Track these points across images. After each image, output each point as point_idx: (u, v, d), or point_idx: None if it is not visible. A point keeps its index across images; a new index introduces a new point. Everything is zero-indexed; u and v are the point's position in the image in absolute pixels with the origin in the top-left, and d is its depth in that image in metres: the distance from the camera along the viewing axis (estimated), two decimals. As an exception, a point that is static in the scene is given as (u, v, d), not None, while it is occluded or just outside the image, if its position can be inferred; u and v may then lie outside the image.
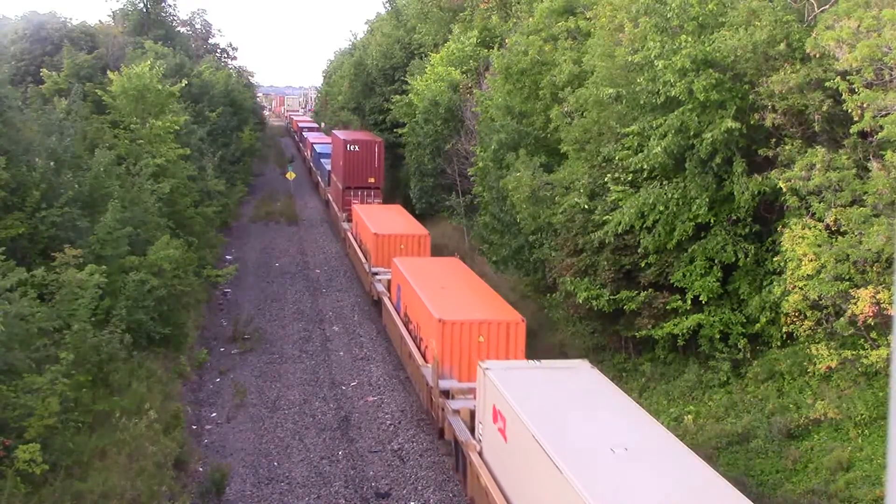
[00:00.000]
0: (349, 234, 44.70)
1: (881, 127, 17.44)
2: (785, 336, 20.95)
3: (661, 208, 22.33)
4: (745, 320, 22.11)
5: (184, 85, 38.59)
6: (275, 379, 27.38)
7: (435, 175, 45.41)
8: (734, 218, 22.13)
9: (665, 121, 21.90)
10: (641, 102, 22.94)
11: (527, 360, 21.29)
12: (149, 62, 36.19)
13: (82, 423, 18.34)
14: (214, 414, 24.54)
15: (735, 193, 21.55)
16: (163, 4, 62.79)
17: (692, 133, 21.57)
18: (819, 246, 18.33)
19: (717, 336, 22.28)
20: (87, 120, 32.65)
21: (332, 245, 49.55)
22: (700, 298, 22.26)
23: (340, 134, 55.73)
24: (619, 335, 25.38)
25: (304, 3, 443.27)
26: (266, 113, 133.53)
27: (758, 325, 21.60)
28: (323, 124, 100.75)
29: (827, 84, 19.08)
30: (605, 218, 23.93)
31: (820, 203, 18.91)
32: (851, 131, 18.36)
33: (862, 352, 18.06)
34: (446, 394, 21.64)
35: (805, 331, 19.36)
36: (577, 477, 12.78)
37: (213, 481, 19.49)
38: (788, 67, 20.32)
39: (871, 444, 17.46)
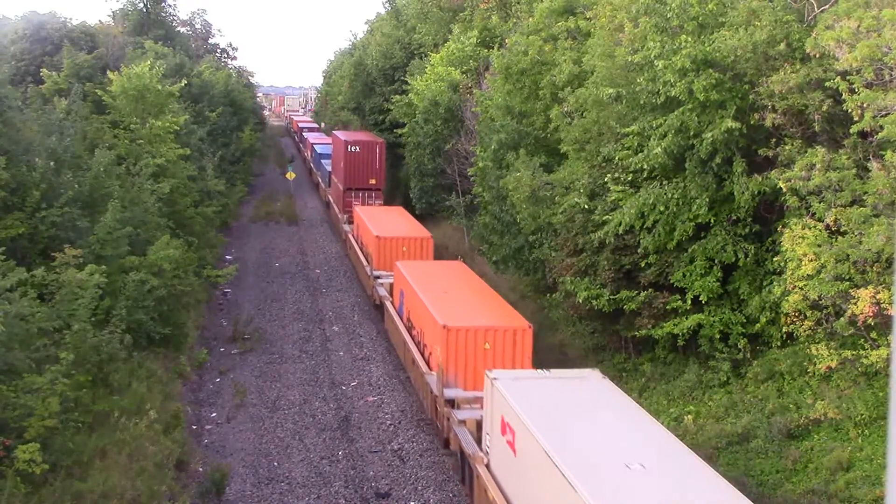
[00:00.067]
0: (350, 236, 43.98)
1: (881, 127, 17.45)
2: (785, 336, 20.95)
3: (661, 208, 22.33)
4: (745, 320, 22.11)
5: (183, 85, 38.59)
6: (275, 379, 27.38)
7: (435, 175, 45.40)
8: (734, 218, 22.13)
9: (665, 121, 21.90)
10: (641, 102, 22.95)
11: (535, 369, 20.51)
12: (149, 62, 36.19)
13: (82, 423, 18.34)
14: (214, 414, 24.54)
15: (735, 193, 21.55)
16: (163, 4, 62.82)
17: (692, 133, 21.58)
18: (819, 246, 18.33)
19: (717, 336, 22.28)
20: (87, 120, 32.66)
21: (332, 245, 49.55)
22: (700, 298, 22.26)
23: (341, 134, 55.17)
24: (619, 335, 25.39)
25: (304, 3, 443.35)
26: (266, 113, 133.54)
27: (758, 325, 21.60)
28: (323, 124, 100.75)
29: (827, 84, 19.09)
30: (605, 218, 23.93)
31: (820, 203, 18.92)
32: (851, 131, 18.36)
33: (862, 352, 18.06)
34: (451, 403, 20.95)
35: (805, 331, 19.36)
36: (592, 496, 12.25)
37: (213, 481, 19.49)
38: (788, 67, 20.32)
39: (871, 444, 17.46)
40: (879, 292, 17.09)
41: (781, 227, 20.49)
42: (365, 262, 37.30)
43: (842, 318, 17.83)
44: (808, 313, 19.02)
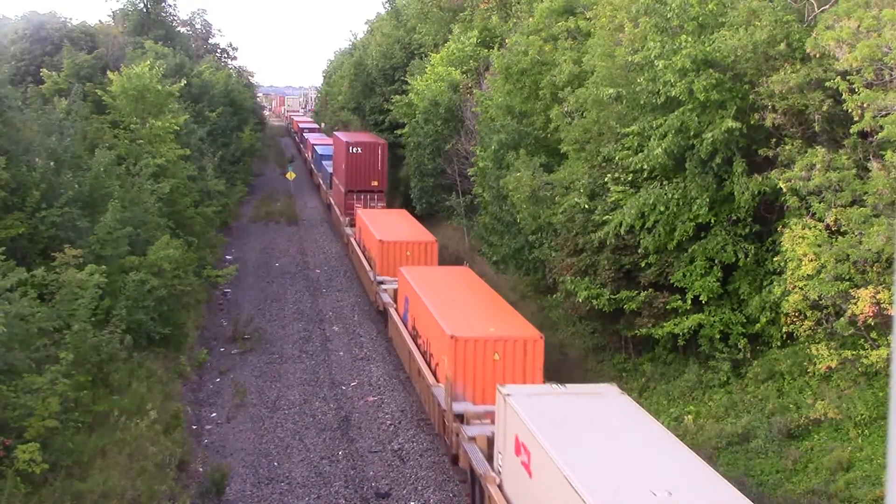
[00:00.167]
0: (352, 239, 42.93)
1: (881, 127, 17.44)
2: (785, 336, 20.95)
3: (662, 208, 22.32)
4: (745, 320, 22.11)
5: (183, 85, 38.58)
6: (275, 379, 27.39)
7: (435, 175, 45.39)
8: (734, 218, 22.13)
9: (665, 121, 21.90)
10: (641, 102, 22.94)
11: (550, 383, 19.44)
12: (148, 62, 36.19)
13: (82, 422, 18.34)
14: (214, 414, 24.54)
15: (735, 193, 21.55)
16: (163, 4, 62.81)
17: (692, 133, 21.57)
18: (819, 246, 18.33)
19: (717, 336, 22.28)
20: (87, 120, 32.66)
21: (333, 245, 49.54)
22: (700, 298, 22.26)
23: (342, 135, 54.45)
24: (619, 335, 25.39)
25: (304, 3, 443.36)
26: (266, 113, 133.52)
27: (758, 325, 21.60)
28: (323, 124, 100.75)
29: (827, 84, 19.09)
30: (605, 218, 23.92)
31: (820, 203, 18.91)
32: (851, 131, 18.36)
33: (862, 352, 18.05)
34: (460, 418, 20.05)
35: (805, 331, 19.36)
36: None
37: (213, 481, 19.49)
38: (788, 67, 20.32)
39: (871, 444, 17.46)
40: (879, 292, 17.09)
41: (781, 227, 20.49)
42: (368, 267, 36.31)
43: (842, 318, 17.83)
44: (808, 313, 19.02)
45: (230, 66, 79.50)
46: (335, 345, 31.06)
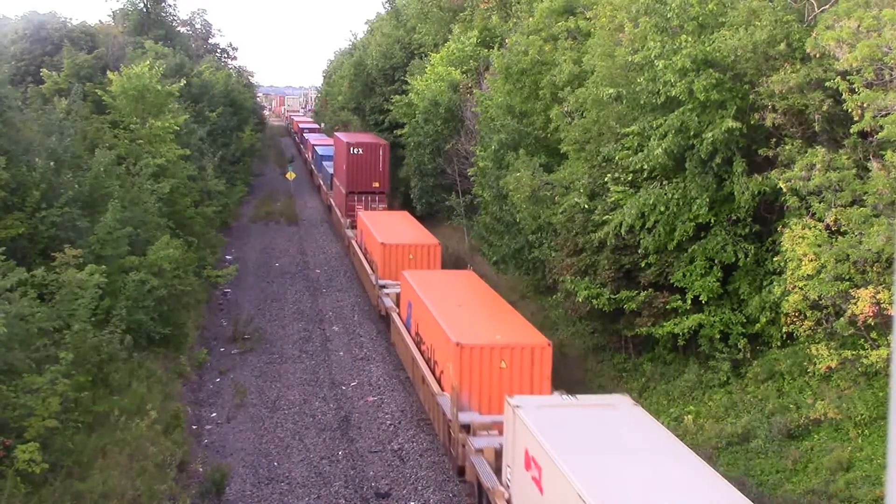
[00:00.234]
0: (354, 242, 42.28)
1: (881, 127, 17.45)
2: (785, 336, 20.95)
3: (662, 208, 22.32)
4: (745, 320, 22.11)
5: (183, 85, 38.57)
6: (275, 379, 27.39)
7: (435, 175, 45.38)
8: (734, 218, 22.13)
9: (665, 121, 21.90)
10: (641, 102, 22.94)
11: (559, 392, 19.51)
12: (148, 62, 36.18)
13: (82, 422, 18.34)
14: (214, 414, 24.54)
15: (735, 193, 21.55)
16: (163, 4, 62.82)
17: (692, 133, 21.57)
18: (819, 246, 18.33)
19: (717, 336, 22.28)
20: (87, 120, 32.66)
21: (333, 245, 49.54)
22: (700, 298, 22.26)
23: (343, 136, 53.94)
24: (620, 335, 25.39)
25: (304, 3, 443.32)
26: (266, 113, 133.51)
27: (758, 325, 21.60)
28: (323, 124, 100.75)
29: (827, 84, 19.09)
30: (605, 218, 23.92)
31: (820, 203, 18.92)
32: (851, 131, 18.36)
33: (862, 352, 18.05)
34: (466, 428, 19.39)
35: (805, 331, 19.36)
36: None
37: (213, 481, 19.48)
38: (788, 67, 20.32)
39: (871, 444, 17.46)
40: (879, 292, 17.09)
41: (781, 227, 20.49)
42: (370, 271, 35.67)
43: (842, 318, 17.83)
44: (808, 313, 19.02)
45: (230, 66, 79.50)
46: (335, 345, 31.06)
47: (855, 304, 17.33)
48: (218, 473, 19.73)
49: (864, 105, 17.67)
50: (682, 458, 13.88)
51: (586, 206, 25.02)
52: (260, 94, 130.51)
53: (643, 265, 23.49)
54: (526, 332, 21.72)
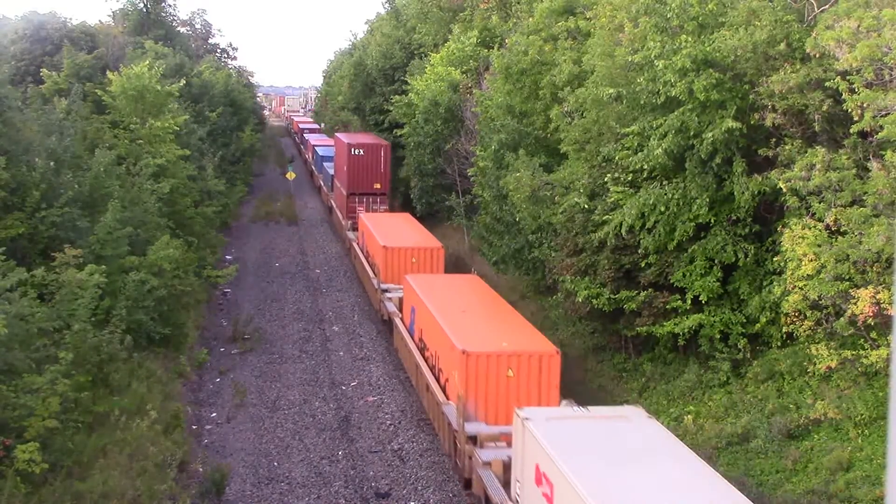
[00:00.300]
0: (355, 244, 41.55)
1: (881, 127, 17.45)
2: (785, 336, 20.95)
3: (662, 209, 22.32)
4: (745, 320, 22.11)
5: (183, 85, 38.57)
6: (275, 379, 27.39)
7: (435, 175, 45.39)
8: (734, 218, 22.13)
9: (665, 121, 21.91)
10: (641, 102, 22.95)
11: (568, 401, 18.85)
12: (148, 62, 36.19)
13: (82, 422, 18.35)
14: (214, 414, 24.54)
15: (735, 193, 21.55)
16: (163, 4, 62.80)
17: (692, 133, 21.58)
18: (819, 246, 18.33)
19: (717, 336, 22.28)
20: (87, 120, 32.66)
21: (333, 245, 49.54)
22: (700, 298, 22.26)
23: (344, 137, 53.42)
24: (620, 335, 25.40)
25: (304, 3, 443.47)
26: (266, 113, 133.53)
27: (758, 325, 21.61)
28: (323, 124, 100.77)
29: (827, 84, 19.09)
30: (605, 218, 23.92)
31: (820, 203, 18.92)
32: (851, 131, 18.37)
33: (862, 352, 18.06)
34: (473, 440, 18.85)
35: (805, 331, 19.36)
36: None
37: (213, 481, 19.48)
38: (788, 67, 20.33)
39: (871, 444, 17.46)
40: (879, 292, 17.09)
41: (781, 227, 20.50)
42: (371, 274, 35.04)
43: (842, 318, 17.83)
44: (808, 313, 19.02)
45: (230, 66, 79.51)
46: (335, 345, 31.06)
47: (855, 304, 17.33)
48: (218, 473, 19.73)
49: (864, 105, 17.68)
50: (702, 474, 13.37)
51: (586, 206, 25.02)
52: (260, 95, 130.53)
53: (643, 265, 23.49)
54: (533, 339, 21.17)
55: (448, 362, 21.30)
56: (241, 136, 62.96)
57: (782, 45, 20.83)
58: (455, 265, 36.80)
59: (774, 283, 20.61)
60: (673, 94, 21.35)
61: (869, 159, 18.55)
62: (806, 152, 19.56)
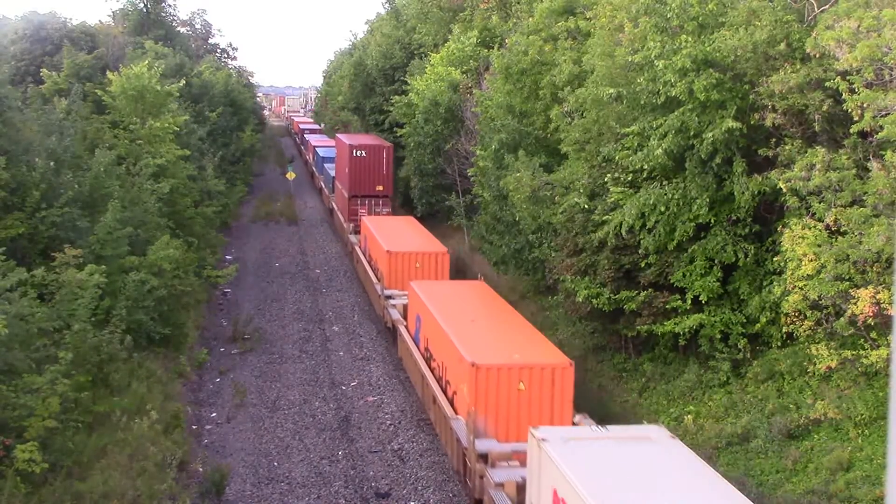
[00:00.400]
0: (357, 248, 40.76)
1: (881, 127, 17.45)
2: (785, 336, 20.95)
3: (662, 209, 22.31)
4: (745, 320, 22.10)
5: (183, 85, 38.57)
6: (275, 379, 27.39)
7: (435, 175, 45.39)
8: (734, 218, 22.13)
9: (665, 121, 21.90)
10: (641, 102, 22.94)
11: (582, 416, 18.61)
12: (147, 62, 36.19)
13: (82, 422, 18.35)
14: (214, 414, 24.54)
15: (735, 193, 21.55)
16: (163, 4, 62.78)
17: (692, 133, 21.57)
18: (819, 246, 18.33)
19: (718, 336, 22.27)
20: (87, 120, 32.67)
21: (333, 245, 49.53)
22: (700, 298, 22.26)
23: (345, 138, 52.75)
24: (620, 335, 25.39)
25: (304, 3, 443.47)
26: (266, 113, 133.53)
27: (758, 325, 21.60)
28: (323, 125, 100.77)
29: (827, 84, 19.09)
30: (605, 218, 23.91)
31: (820, 203, 18.92)
32: (851, 131, 18.36)
33: (862, 352, 18.06)
34: (484, 458, 17.98)
35: (805, 331, 19.36)
36: None
37: (213, 481, 19.48)
38: (788, 67, 20.33)
39: (871, 444, 17.46)
40: (879, 292, 17.09)
41: (781, 227, 20.50)
42: (375, 280, 34.02)
43: (842, 318, 17.83)
44: (808, 313, 19.02)
45: (230, 66, 79.49)
46: (335, 345, 31.06)
47: (855, 304, 17.33)
48: (218, 473, 19.73)
49: (864, 105, 17.68)
50: (732, 500, 12.67)
51: (586, 206, 25.01)
52: (260, 95, 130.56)
53: (643, 265, 23.49)
54: (545, 351, 20.37)
55: (456, 375, 20.54)
56: (241, 136, 62.95)
57: (782, 45, 20.83)
58: (455, 265, 36.77)
59: (774, 283, 20.61)
60: (673, 94, 21.35)
61: (869, 159, 18.54)
62: (806, 152, 19.56)
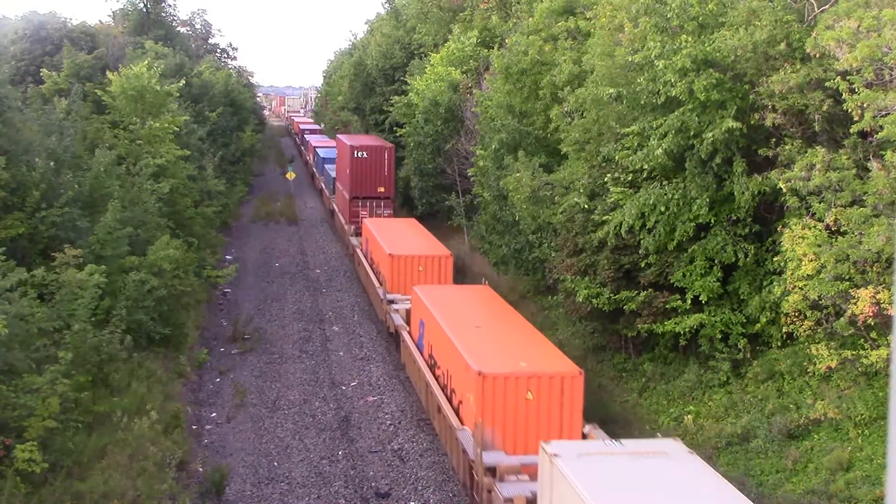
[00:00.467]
0: (358, 251, 39.95)
1: (881, 127, 17.45)
2: (785, 336, 20.95)
3: (662, 209, 22.31)
4: (745, 320, 22.11)
5: (182, 84, 38.57)
6: (275, 379, 27.39)
7: (435, 175, 45.38)
8: (734, 218, 22.13)
9: (665, 121, 21.91)
10: (641, 102, 22.94)
11: (593, 427, 18.19)
12: (146, 62, 36.19)
13: (82, 423, 18.35)
14: (214, 414, 24.54)
15: (735, 193, 21.56)
16: (163, 4, 62.80)
17: (692, 133, 21.58)
18: (819, 246, 18.33)
19: (718, 336, 22.28)
20: (87, 120, 32.67)
21: (333, 245, 49.53)
22: (700, 298, 22.26)
23: (346, 139, 52.19)
24: (620, 335, 25.39)
25: (304, 3, 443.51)
26: (266, 113, 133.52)
27: (758, 325, 21.61)
28: (323, 125, 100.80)
29: (827, 84, 19.09)
30: (604, 218, 23.92)
31: (820, 203, 18.92)
32: (851, 131, 18.37)
33: (862, 352, 18.06)
34: (492, 471, 17.37)
35: (805, 331, 19.36)
36: None
37: (213, 481, 19.48)
38: (788, 67, 20.33)
39: (871, 444, 17.46)
40: (879, 292, 17.09)
41: (781, 227, 20.50)
42: (377, 284, 33.36)
43: (842, 318, 17.83)
44: (808, 313, 19.02)
45: (230, 66, 79.49)
46: (335, 345, 31.05)
47: (855, 304, 17.33)
48: (218, 473, 19.73)
49: (864, 105, 17.68)
50: None
51: (586, 206, 25.02)
52: (260, 95, 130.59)
53: (643, 265, 23.49)
54: (554, 359, 19.74)
55: (462, 383, 19.94)
56: (241, 136, 62.94)
57: (782, 45, 20.83)
58: (455, 265, 36.73)
59: (774, 283, 20.61)
60: (673, 94, 21.35)
61: (869, 159, 18.55)
62: (806, 152, 19.56)
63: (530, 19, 35.24)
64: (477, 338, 21.33)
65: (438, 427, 21.87)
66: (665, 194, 22.39)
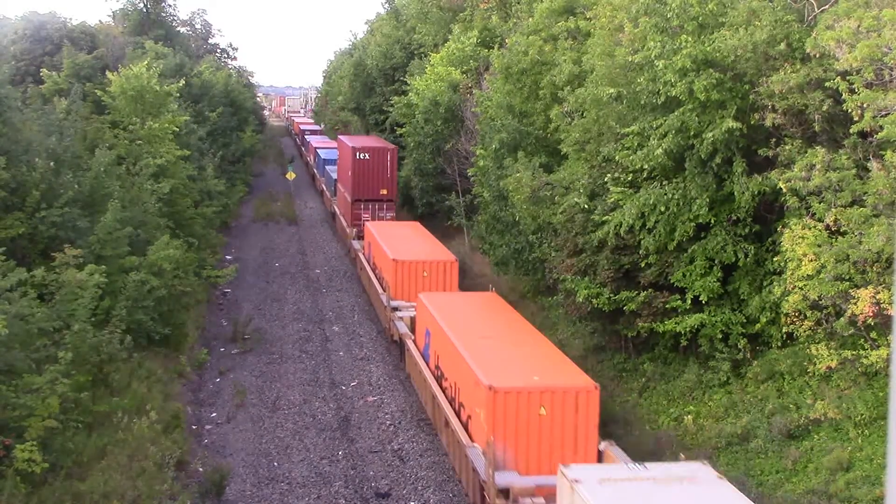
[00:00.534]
0: (361, 255, 39.28)
1: (881, 127, 17.44)
2: (785, 336, 20.95)
3: (662, 209, 22.31)
4: (745, 320, 22.10)
5: (183, 84, 38.57)
6: (275, 379, 27.39)
7: (435, 175, 45.37)
8: (734, 218, 22.13)
9: (665, 121, 21.90)
10: (641, 102, 22.94)
11: (609, 444, 17.48)
12: (146, 62, 36.20)
13: (82, 422, 18.36)
14: (214, 414, 24.54)
15: (735, 193, 21.55)
16: (163, 4, 62.87)
17: (692, 133, 21.58)
18: (819, 246, 18.33)
19: (718, 336, 22.28)
20: (87, 120, 32.68)
21: (333, 245, 49.54)
22: (700, 298, 22.26)
23: (348, 140, 51.44)
24: (620, 335, 25.38)
25: (304, 3, 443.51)
26: (266, 113, 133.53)
27: (758, 325, 21.61)
28: (323, 125, 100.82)
29: (827, 84, 19.09)
30: (604, 218, 23.91)
31: (820, 203, 18.91)
32: (851, 131, 18.36)
33: (862, 352, 18.06)
34: (505, 493, 16.46)
35: (805, 331, 19.36)
36: None
37: (213, 481, 19.48)
38: (788, 67, 20.32)
39: (871, 444, 17.46)
40: (879, 292, 17.09)
41: (781, 227, 20.49)
42: (380, 289, 32.39)
43: (842, 318, 17.83)
44: (808, 313, 19.02)
45: (230, 66, 79.54)
46: (335, 345, 31.06)
47: (855, 304, 17.33)
48: (218, 473, 19.73)
49: (864, 105, 17.67)
50: None
51: (586, 206, 25.01)
52: (260, 95, 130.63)
53: (643, 265, 23.48)
54: (568, 373, 18.82)
55: (471, 398, 19.03)
56: (241, 136, 62.95)
57: (782, 45, 20.83)
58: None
59: (774, 283, 20.61)
60: (673, 94, 21.34)
61: (869, 159, 18.55)
62: (806, 152, 19.55)
63: (530, 19, 35.24)
64: (487, 349, 20.40)
65: (446, 442, 21.10)
66: (665, 194, 22.39)
